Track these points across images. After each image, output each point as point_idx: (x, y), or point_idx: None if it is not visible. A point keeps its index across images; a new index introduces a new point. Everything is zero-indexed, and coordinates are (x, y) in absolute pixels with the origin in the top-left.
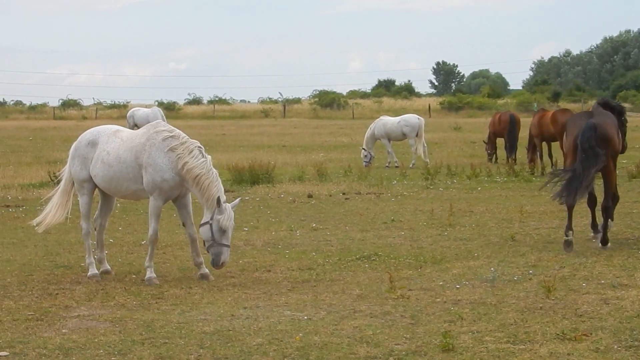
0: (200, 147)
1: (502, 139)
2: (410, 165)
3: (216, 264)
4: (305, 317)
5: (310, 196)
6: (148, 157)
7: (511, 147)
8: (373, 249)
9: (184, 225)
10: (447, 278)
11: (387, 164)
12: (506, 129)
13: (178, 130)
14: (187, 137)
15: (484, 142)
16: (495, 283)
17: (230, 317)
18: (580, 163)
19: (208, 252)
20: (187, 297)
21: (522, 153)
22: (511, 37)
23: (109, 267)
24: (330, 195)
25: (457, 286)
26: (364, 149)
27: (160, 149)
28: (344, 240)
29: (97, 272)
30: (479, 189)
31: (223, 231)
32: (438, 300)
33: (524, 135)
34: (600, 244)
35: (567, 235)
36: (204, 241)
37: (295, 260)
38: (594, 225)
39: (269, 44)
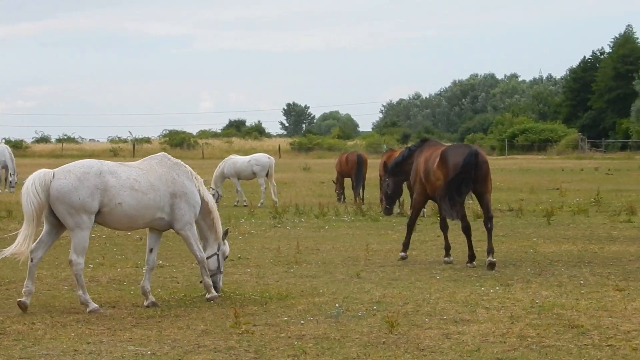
0: None
1: (350, 179)
2: (259, 205)
3: (218, 290)
4: (149, 352)
5: None
6: (181, 186)
7: (358, 187)
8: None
9: (151, 251)
10: (292, 314)
11: (235, 203)
12: (353, 169)
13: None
14: None
15: (333, 181)
16: (340, 319)
17: (73, 352)
18: (454, 181)
19: (204, 281)
20: (30, 332)
21: (369, 192)
22: (362, 80)
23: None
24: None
25: (302, 322)
26: (212, 187)
27: (189, 178)
28: (190, 277)
29: (97, 306)
30: (327, 227)
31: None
32: (282, 335)
33: (372, 175)
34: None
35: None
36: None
37: (140, 297)
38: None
39: (119, 82)
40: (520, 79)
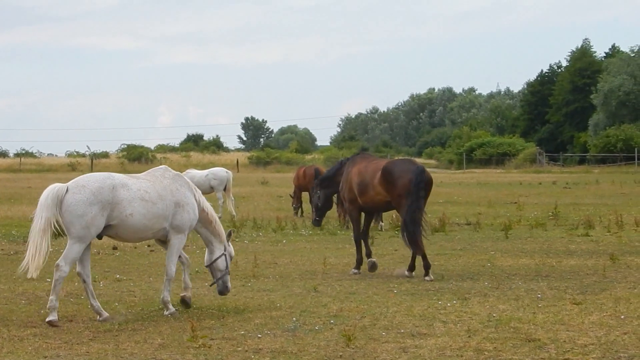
0: None
1: (308, 193)
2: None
3: (228, 290)
4: None
5: (115, 248)
6: (184, 197)
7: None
8: (176, 299)
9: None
10: (249, 327)
11: None
12: (311, 183)
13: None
14: None
15: (291, 195)
16: (297, 332)
17: None
18: (414, 207)
19: (217, 282)
20: None
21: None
22: (319, 94)
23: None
24: (135, 247)
25: (259, 335)
26: None
27: (189, 189)
28: (147, 290)
29: (56, 318)
30: (284, 241)
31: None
32: (239, 349)
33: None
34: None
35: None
36: (214, 272)
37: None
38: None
39: (78, 96)
40: (477, 92)
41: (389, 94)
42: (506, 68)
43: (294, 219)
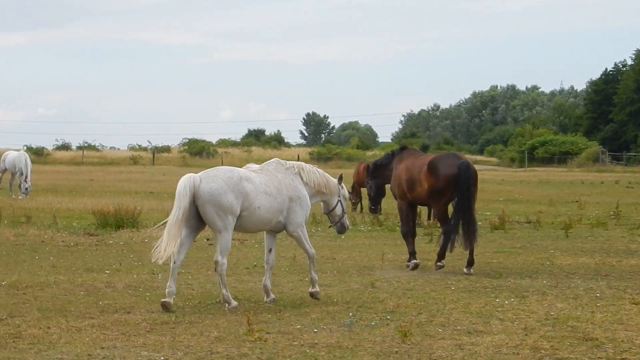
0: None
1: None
2: None
3: (346, 228)
4: (162, 358)
5: None
6: (296, 191)
7: None
8: (234, 292)
9: (270, 251)
10: (306, 322)
11: None
12: None
13: (292, 162)
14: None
15: (348, 191)
16: (353, 328)
17: (87, 356)
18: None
19: (336, 225)
20: (45, 336)
21: (386, 203)
22: (381, 90)
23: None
24: (195, 241)
25: (315, 330)
26: None
27: (300, 182)
28: (205, 284)
29: (237, 303)
30: (343, 237)
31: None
32: (295, 343)
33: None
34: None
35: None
36: (335, 217)
37: (155, 303)
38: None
39: (139, 91)
40: (540, 90)
41: (451, 91)
42: (570, 66)
43: (353, 214)
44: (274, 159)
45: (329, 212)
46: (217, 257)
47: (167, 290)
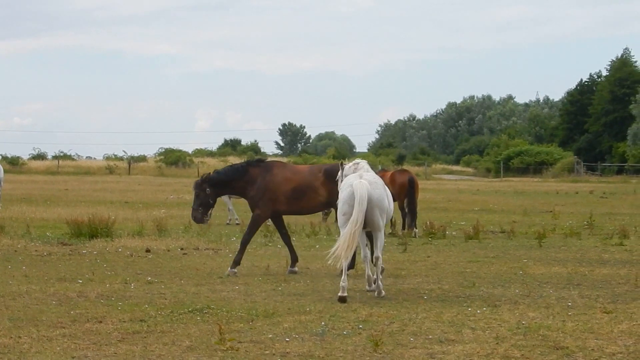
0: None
1: None
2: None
3: None
4: None
5: (148, 251)
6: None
7: None
8: (206, 302)
9: (367, 245)
10: (278, 331)
11: (227, 222)
12: None
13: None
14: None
15: None
16: (325, 337)
17: None
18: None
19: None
20: (16, 346)
21: None
22: (358, 100)
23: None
24: (169, 250)
25: (287, 339)
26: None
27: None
28: (178, 293)
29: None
30: (317, 246)
31: None
32: (267, 352)
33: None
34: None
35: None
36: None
37: (127, 312)
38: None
39: (116, 100)
40: (515, 101)
41: (427, 102)
42: (546, 77)
43: (328, 224)
44: (364, 160)
45: None
46: (377, 253)
47: (341, 284)
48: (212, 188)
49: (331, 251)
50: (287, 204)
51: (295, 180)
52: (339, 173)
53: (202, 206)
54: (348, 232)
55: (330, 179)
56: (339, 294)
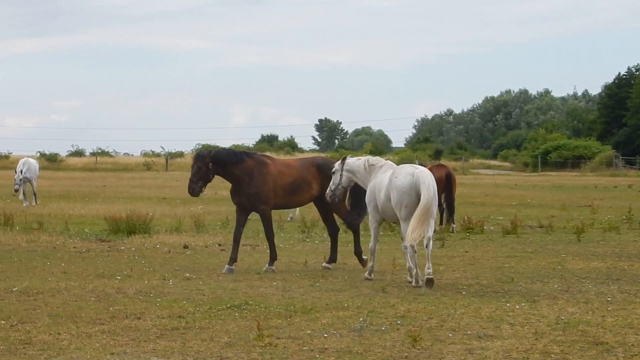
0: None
1: None
2: (288, 219)
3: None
4: None
5: (185, 247)
6: None
7: None
8: (244, 298)
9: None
10: (316, 327)
11: (288, 219)
12: None
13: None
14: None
15: None
16: (363, 333)
17: None
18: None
19: None
20: (55, 342)
21: None
22: (394, 95)
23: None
24: (206, 247)
25: (325, 335)
26: None
27: None
28: (216, 289)
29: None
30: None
31: None
32: (305, 348)
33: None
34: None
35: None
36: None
37: (166, 309)
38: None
39: (153, 97)
40: (553, 94)
41: (464, 96)
42: (583, 70)
43: (365, 219)
44: (376, 157)
45: None
46: (430, 233)
47: (426, 270)
48: (214, 165)
49: (407, 233)
50: (283, 198)
51: (292, 175)
52: (338, 166)
53: (202, 180)
54: (417, 214)
55: (322, 173)
56: (426, 277)
